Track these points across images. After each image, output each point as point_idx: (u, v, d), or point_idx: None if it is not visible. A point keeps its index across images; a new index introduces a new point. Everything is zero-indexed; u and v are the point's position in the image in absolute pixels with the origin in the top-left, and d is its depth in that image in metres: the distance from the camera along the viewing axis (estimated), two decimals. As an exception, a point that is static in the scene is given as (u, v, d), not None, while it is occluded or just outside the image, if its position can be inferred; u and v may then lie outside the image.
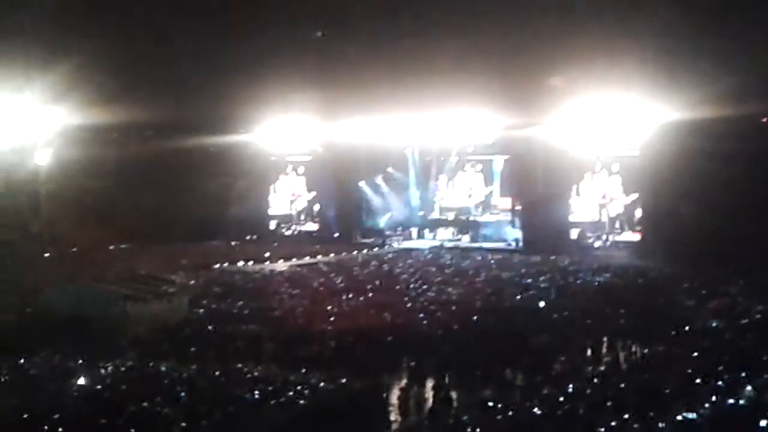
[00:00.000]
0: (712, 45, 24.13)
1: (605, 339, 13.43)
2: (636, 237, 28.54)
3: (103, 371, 11.26)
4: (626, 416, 8.75)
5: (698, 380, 10.16)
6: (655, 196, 27.10)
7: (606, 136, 28.65)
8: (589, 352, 12.69)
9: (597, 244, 29.16)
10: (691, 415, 8.72)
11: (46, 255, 26.28)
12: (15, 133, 29.87)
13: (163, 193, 30.93)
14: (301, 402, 9.94)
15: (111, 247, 28.87)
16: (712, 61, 24.01)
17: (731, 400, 9.28)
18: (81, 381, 10.76)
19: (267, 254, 27.05)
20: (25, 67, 27.55)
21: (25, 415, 9.17)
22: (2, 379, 11.08)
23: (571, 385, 10.12)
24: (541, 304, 16.88)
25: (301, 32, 30.11)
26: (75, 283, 17.77)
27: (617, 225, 29.38)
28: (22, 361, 11.82)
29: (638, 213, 28.72)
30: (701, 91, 24.00)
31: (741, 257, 20.75)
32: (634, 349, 12.59)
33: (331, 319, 15.27)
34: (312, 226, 35.21)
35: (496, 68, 28.04)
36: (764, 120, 26.24)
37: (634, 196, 28.83)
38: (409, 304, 16.97)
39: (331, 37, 30.41)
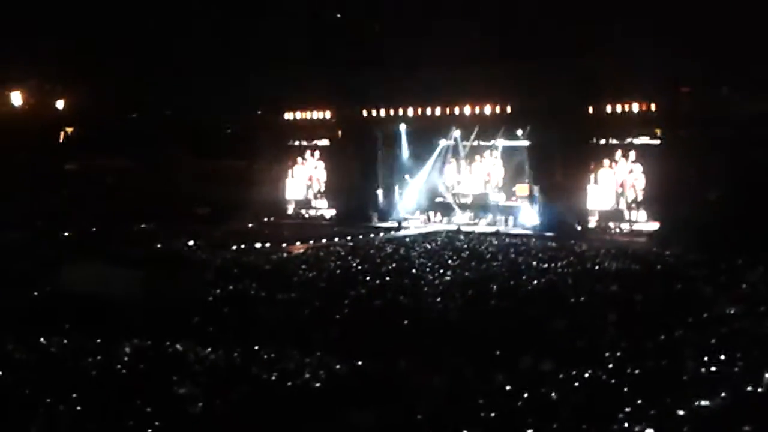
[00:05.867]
0: (736, 30, 23.95)
1: (622, 325, 13.34)
2: (655, 225, 28.35)
3: (120, 350, 11.34)
4: (641, 402, 8.73)
5: (715, 368, 10.12)
6: (675, 185, 26.90)
7: (626, 123, 28.52)
8: (605, 337, 12.61)
9: (615, 231, 29.03)
10: (708, 402, 8.69)
11: (66, 234, 26.43)
12: (37, 113, 30.10)
13: (180, 174, 31.08)
14: (317, 384, 10.00)
15: (129, 227, 28.99)
16: (738, 46, 23.85)
17: (748, 388, 9.24)
18: (98, 359, 10.84)
19: (284, 236, 27.18)
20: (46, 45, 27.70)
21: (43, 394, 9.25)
22: (23, 357, 11.16)
23: (587, 372, 10.12)
24: (559, 289, 16.88)
25: (323, 16, 30.15)
26: (94, 262, 17.83)
27: (636, 213, 29.22)
28: (41, 339, 11.93)
29: (657, 201, 28.52)
30: (722, 75, 23.85)
31: (764, 246, 20.48)
32: (650, 334, 12.48)
33: (345, 301, 15.32)
34: (329, 210, 35.26)
35: (517, 54, 28.03)
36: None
37: (654, 184, 28.64)
38: (425, 288, 16.99)
39: (353, 22, 30.42)
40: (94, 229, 27.74)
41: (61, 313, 13.60)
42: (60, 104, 31.52)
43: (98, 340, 11.82)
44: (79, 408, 8.84)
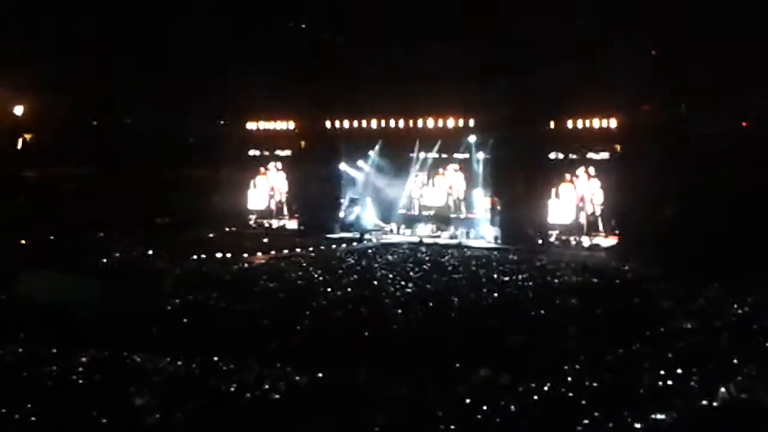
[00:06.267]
0: (691, 47, 24.38)
1: (580, 338, 13.45)
2: (614, 240, 28.66)
3: (77, 361, 11.18)
4: (598, 415, 8.80)
5: (670, 381, 10.24)
6: (634, 200, 27.20)
7: (586, 138, 28.85)
8: (563, 350, 12.70)
9: (575, 245, 29.28)
10: (665, 416, 8.78)
11: (23, 242, 26.00)
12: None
13: (140, 183, 30.77)
14: (276, 396, 9.94)
15: (87, 236, 28.59)
16: (694, 64, 24.25)
17: (703, 402, 9.36)
18: (54, 369, 10.68)
19: (245, 246, 27.02)
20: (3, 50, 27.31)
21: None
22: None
23: (546, 384, 10.18)
24: (518, 302, 16.99)
25: (286, 27, 30.10)
26: (51, 271, 17.57)
27: (595, 227, 29.51)
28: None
29: (617, 216, 28.84)
30: (682, 93, 24.22)
31: (721, 262, 20.71)
32: (608, 348, 12.59)
33: (306, 312, 15.26)
34: (291, 221, 35.14)
35: (480, 69, 28.22)
36: (744, 124, 26.49)
37: (613, 199, 28.95)
38: (386, 300, 16.98)
39: (316, 34, 30.42)
40: (52, 237, 27.33)
41: (17, 322, 13.38)
42: (18, 110, 31.08)
43: (54, 350, 11.64)
44: (33, 419, 8.71)
